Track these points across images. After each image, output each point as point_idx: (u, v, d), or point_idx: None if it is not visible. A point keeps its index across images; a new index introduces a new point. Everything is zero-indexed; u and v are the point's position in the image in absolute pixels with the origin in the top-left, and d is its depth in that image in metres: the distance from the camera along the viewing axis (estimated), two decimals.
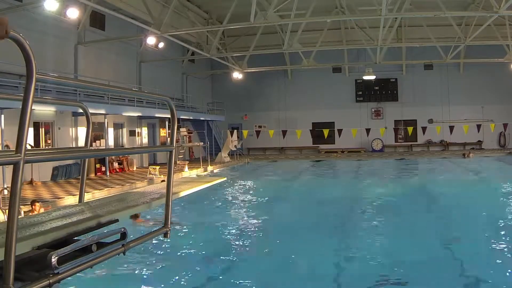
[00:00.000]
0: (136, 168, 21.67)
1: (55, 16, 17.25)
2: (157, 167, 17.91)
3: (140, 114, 21.98)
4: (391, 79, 32.58)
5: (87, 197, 9.97)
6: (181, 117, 25.03)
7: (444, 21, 23.51)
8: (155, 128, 26.16)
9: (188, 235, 9.30)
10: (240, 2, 19.25)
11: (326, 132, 29.71)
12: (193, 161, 24.70)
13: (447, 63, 28.56)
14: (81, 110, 3.22)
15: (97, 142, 19.66)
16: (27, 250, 1.87)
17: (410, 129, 30.97)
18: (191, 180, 7.27)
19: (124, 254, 2.21)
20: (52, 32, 17.57)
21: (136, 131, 23.82)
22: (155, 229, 2.69)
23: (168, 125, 24.42)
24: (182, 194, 3.67)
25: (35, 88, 1.63)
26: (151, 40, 21.03)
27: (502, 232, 8.98)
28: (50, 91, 15.45)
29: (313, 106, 33.01)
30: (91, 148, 5.41)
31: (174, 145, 2.89)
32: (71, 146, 17.37)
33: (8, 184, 10.78)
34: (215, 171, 22.77)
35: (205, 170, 21.88)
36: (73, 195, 12.17)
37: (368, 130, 31.80)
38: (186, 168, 20.41)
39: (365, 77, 29.51)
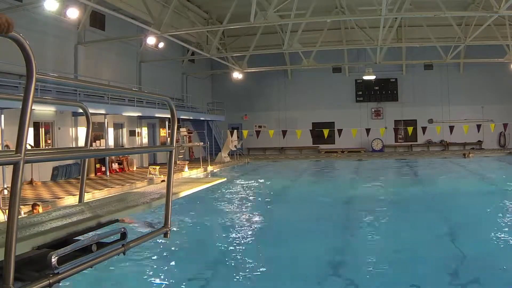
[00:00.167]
0: (136, 168, 21.67)
1: (55, 16, 17.25)
2: (157, 167, 17.92)
3: (140, 114, 21.99)
4: (391, 79, 32.59)
5: (87, 197, 9.97)
6: (181, 117, 25.03)
7: (444, 21, 23.52)
8: (155, 128, 26.16)
9: (187, 235, 9.30)
10: (240, 2, 19.25)
11: (326, 132, 29.70)
12: (193, 161, 24.71)
13: (447, 63, 28.57)
14: (81, 110, 3.21)
15: (97, 142, 19.66)
16: (27, 250, 1.87)
17: (410, 129, 30.97)
18: (191, 180, 7.27)
19: (124, 254, 2.21)
20: (52, 32, 17.57)
21: (136, 131, 23.83)
22: (155, 229, 2.69)
23: (168, 125, 24.42)
24: (182, 194, 3.67)
25: (35, 88, 1.63)
26: (151, 40, 21.03)
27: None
28: (50, 91, 15.46)
29: (313, 106, 33.02)
30: (91, 148, 5.41)
31: (174, 145, 2.89)
32: (71, 146, 17.37)
33: (8, 184, 10.78)
34: (215, 171, 22.77)
35: (205, 170, 21.89)
36: (73, 195, 12.17)
37: (368, 130, 31.80)
38: (186, 168, 20.41)
39: (365, 77, 29.52)
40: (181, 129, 24.01)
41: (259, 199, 14.67)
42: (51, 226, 2.14)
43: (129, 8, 18.94)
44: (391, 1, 18.07)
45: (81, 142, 15.77)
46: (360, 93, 33.14)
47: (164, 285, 6.64)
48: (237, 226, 10.45)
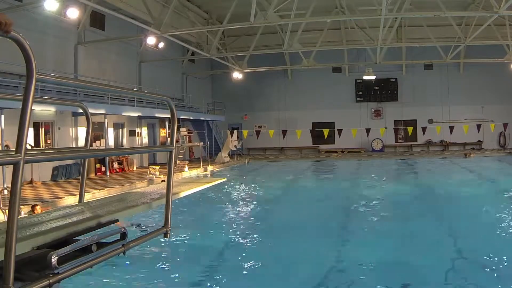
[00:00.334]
0: (136, 168, 21.67)
1: (55, 16, 17.25)
2: (157, 167, 17.92)
3: (140, 114, 21.99)
4: (391, 79, 32.59)
5: (87, 197, 9.97)
6: (181, 117, 25.03)
7: (444, 21, 23.52)
8: (155, 128, 26.16)
9: (187, 235, 9.29)
10: (240, 2, 19.25)
11: (326, 132, 29.70)
12: (193, 161, 24.71)
13: (447, 63, 28.57)
14: (81, 110, 3.21)
15: (97, 142, 19.66)
16: (27, 250, 1.87)
17: (410, 129, 30.97)
18: (191, 180, 7.28)
19: (124, 254, 2.21)
20: (52, 32, 17.57)
21: (136, 131, 23.83)
22: (155, 229, 2.69)
23: (168, 125, 24.43)
24: (182, 194, 3.67)
25: (35, 88, 1.63)
26: (151, 40, 21.03)
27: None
28: (50, 91, 15.45)
29: (313, 106, 33.02)
30: (91, 148, 5.41)
31: (174, 145, 2.89)
32: (71, 146, 17.37)
33: (8, 184, 10.78)
34: (215, 171, 22.77)
35: (205, 170, 21.89)
36: (73, 195, 12.17)
37: (368, 130, 31.80)
38: (186, 168, 20.41)
39: (365, 77, 29.50)
40: (181, 129, 24.01)
41: (259, 199, 14.65)
42: (51, 226, 2.14)
43: (129, 8, 18.94)
44: (391, 1, 18.07)
45: (81, 142, 15.77)
46: (360, 93, 33.14)
47: (163, 285, 6.64)
48: (236, 226, 10.44)
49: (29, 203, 9.65)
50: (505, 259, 7.13)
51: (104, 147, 18.73)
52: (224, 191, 15.45)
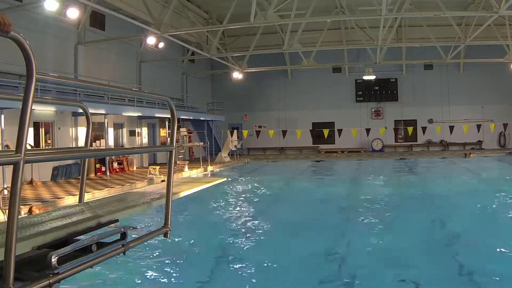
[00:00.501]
0: (136, 168, 21.67)
1: (55, 16, 17.25)
2: (157, 167, 17.92)
3: (140, 114, 21.99)
4: (391, 79, 32.60)
5: (87, 197, 9.97)
6: (181, 117, 25.04)
7: (444, 21, 23.52)
8: (155, 128, 26.16)
9: (187, 235, 9.29)
10: (240, 2, 19.25)
11: (326, 132, 29.71)
12: (193, 161, 24.71)
13: (447, 63, 28.57)
14: (81, 110, 3.21)
15: (97, 142, 19.67)
16: (27, 250, 1.87)
17: (410, 129, 30.98)
18: (191, 180, 7.28)
19: (124, 254, 2.21)
20: (52, 32, 17.57)
21: (136, 131, 23.83)
22: (155, 229, 2.69)
23: (168, 125, 24.43)
24: (182, 194, 3.67)
25: (35, 88, 1.63)
26: (151, 40, 21.03)
27: None
28: (50, 91, 15.46)
29: (313, 106, 33.03)
30: (91, 148, 5.41)
31: (174, 145, 2.89)
32: (71, 146, 17.37)
33: (8, 184, 10.79)
34: (215, 171, 22.77)
35: (205, 170, 21.89)
36: (73, 195, 12.17)
37: (368, 130, 31.80)
38: (186, 168, 20.41)
39: (365, 77, 29.51)
40: (181, 129, 24.01)
41: (259, 199, 14.66)
42: (51, 226, 2.14)
43: (129, 8, 18.95)
44: (391, 1, 18.07)
45: (81, 142, 15.77)
46: (360, 93, 33.14)
47: (164, 285, 6.64)
48: (236, 226, 10.45)
49: (29, 203, 9.65)
50: (503, 258, 7.14)
51: (104, 147, 18.73)
52: (224, 191, 15.45)
